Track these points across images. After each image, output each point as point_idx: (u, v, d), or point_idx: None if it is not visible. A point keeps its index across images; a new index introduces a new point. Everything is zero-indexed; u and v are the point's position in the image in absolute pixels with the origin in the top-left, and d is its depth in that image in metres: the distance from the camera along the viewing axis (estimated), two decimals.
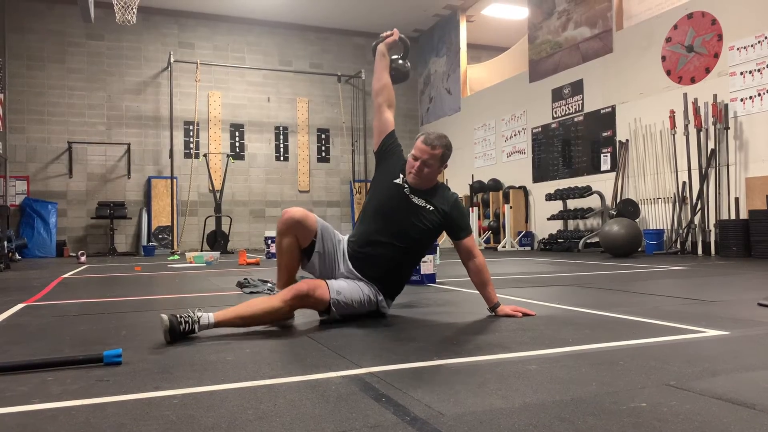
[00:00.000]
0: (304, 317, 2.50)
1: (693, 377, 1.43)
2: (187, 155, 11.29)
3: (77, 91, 10.74)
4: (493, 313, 2.45)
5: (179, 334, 1.98)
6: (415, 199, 2.50)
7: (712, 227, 6.71)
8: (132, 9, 6.11)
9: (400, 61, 2.78)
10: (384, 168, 2.63)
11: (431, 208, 2.49)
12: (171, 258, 8.29)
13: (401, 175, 2.54)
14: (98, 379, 1.49)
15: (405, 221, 2.47)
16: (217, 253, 7.07)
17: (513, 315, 2.40)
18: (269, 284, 3.74)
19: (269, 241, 7.83)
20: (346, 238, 2.59)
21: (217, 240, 10.32)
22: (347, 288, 2.36)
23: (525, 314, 2.42)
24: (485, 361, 1.63)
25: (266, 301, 2.20)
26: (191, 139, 11.35)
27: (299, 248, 2.45)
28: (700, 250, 6.76)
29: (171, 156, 10.81)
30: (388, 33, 2.71)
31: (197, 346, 1.91)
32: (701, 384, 1.36)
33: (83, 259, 7.63)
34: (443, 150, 2.50)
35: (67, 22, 10.60)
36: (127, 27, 6.37)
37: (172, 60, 10.84)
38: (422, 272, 3.91)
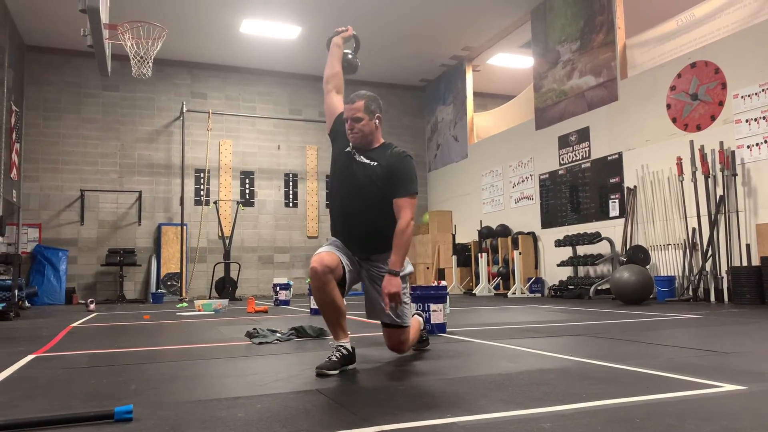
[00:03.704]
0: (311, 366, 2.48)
1: None
2: (198, 202, 11.41)
3: (91, 140, 10.96)
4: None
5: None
6: (361, 158, 2.71)
7: (724, 274, 6.65)
8: (148, 63, 6.28)
9: (350, 56, 3.00)
10: (336, 146, 2.85)
11: (375, 164, 2.67)
12: (179, 306, 8.27)
13: (350, 144, 2.77)
14: None
15: (358, 181, 2.67)
16: (225, 301, 7.06)
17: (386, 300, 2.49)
18: (278, 334, 3.73)
19: (278, 288, 7.82)
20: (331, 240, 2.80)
21: (225, 287, 10.31)
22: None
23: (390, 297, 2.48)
24: (499, 419, 1.61)
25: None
26: (202, 187, 11.49)
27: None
28: (712, 297, 6.68)
29: (182, 203, 10.92)
30: (343, 28, 2.95)
31: (207, 402, 1.90)
32: None
33: (92, 306, 7.64)
34: (364, 100, 2.67)
35: (83, 74, 10.91)
36: (141, 78, 6.55)
37: (184, 110, 11.08)
38: (432, 321, 3.87)
